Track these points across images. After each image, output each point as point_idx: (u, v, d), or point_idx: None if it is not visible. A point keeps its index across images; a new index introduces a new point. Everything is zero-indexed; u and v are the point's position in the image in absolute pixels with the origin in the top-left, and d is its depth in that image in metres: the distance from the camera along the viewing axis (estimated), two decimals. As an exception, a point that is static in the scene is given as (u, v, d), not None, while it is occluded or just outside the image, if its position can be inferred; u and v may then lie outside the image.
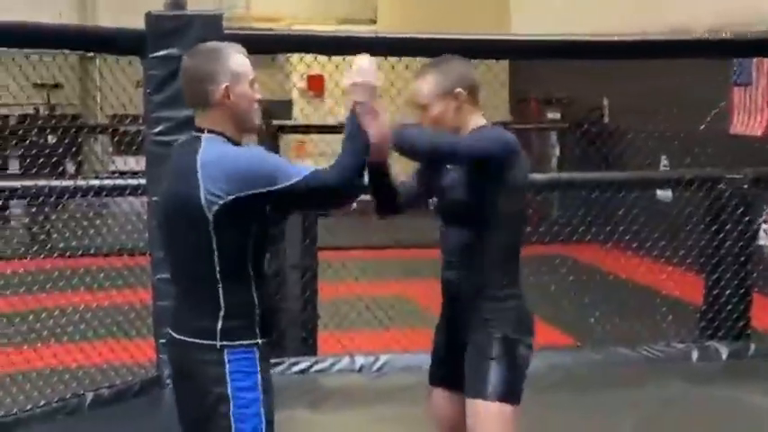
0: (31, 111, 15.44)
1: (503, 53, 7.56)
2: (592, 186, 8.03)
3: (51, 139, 14.97)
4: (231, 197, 3.03)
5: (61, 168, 13.91)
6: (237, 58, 3.19)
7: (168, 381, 5.99)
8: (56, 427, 5.54)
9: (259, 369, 3.14)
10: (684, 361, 6.69)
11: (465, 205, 3.59)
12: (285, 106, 14.99)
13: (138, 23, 6.00)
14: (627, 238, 8.43)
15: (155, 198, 5.33)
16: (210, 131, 3.15)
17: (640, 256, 9.23)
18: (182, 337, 3.18)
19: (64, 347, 6.23)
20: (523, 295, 3.67)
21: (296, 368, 6.36)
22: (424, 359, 6.31)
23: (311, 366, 6.39)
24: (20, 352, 6.09)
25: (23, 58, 6.78)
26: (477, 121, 3.67)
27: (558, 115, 14.42)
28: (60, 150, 13.55)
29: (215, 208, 3.04)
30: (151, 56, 5.89)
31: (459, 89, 3.63)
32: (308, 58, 7.06)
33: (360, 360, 6.49)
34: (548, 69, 13.30)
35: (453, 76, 3.65)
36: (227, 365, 3.10)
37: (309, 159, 14.14)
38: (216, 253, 3.08)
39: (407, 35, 7.20)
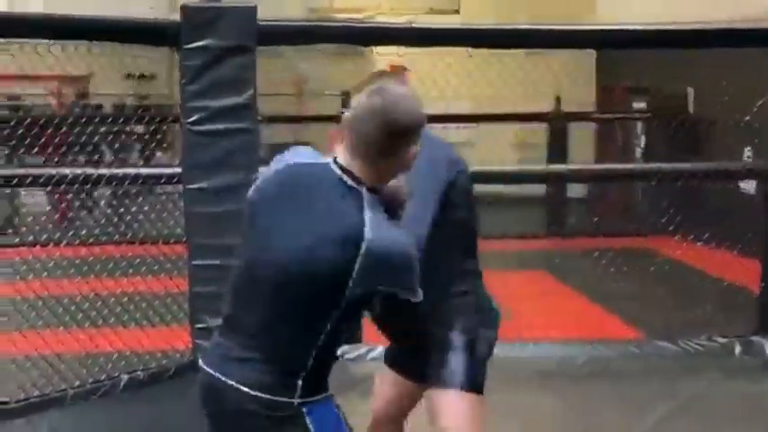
0: (125, 101, 15.81)
1: (588, 43, 7.50)
2: (675, 177, 7.87)
3: (141, 129, 15.35)
4: (376, 290, 2.75)
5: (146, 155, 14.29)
6: (407, 101, 2.81)
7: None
8: (89, 407, 5.71)
9: (338, 412, 2.90)
10: (726, 356, 6.59)
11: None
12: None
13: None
14: (709, 230, 8.28)
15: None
16: (370, 190, 2.79)
17: (723, 248, 9.07)
18: (253, 392, 2.81)
19: (114, 331, 6.40)
20: (483, 288, 3.65)
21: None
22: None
23: (343, 355, 6.44)
24: (70, 333, 6.27)
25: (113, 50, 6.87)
26: None
27: (643, 105, 14.23)
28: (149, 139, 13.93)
29: (357, 292, 2.72)
30: (186, 47, 6.00)
31: None
32: (391, 48, 7.10)
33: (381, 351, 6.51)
34: (634, 58, 13.11)
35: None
36: (307, 417, 2.81)
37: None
38: (329, 325, 2.76)
39: (490, 26, 7.19)
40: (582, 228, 12.65)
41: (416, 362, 3.58)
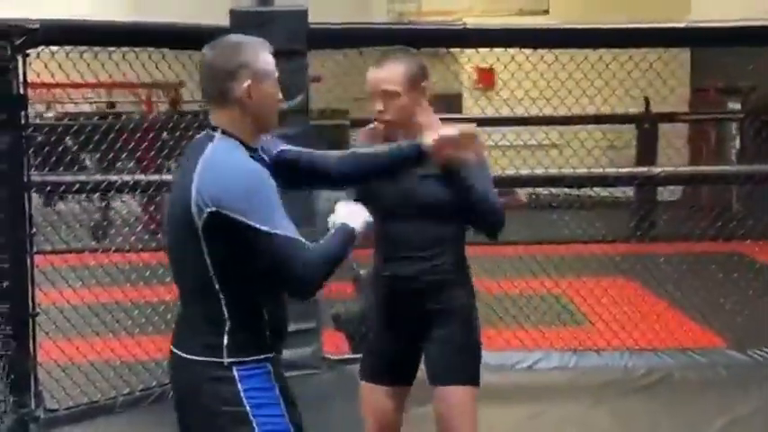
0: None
1: (684, 41, 7.30)
2: None
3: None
4: (211, 209, 2.76)
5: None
6: (264, 56, 2.93)
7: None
8: (138, 414, 5.69)
9: (276, 384, 2.88)
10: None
11: (439, 201, 3.58)
12: (454, 100, 14.92)
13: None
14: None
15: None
16: (224, 132, 2.89)
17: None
18: (184, 355, 2.89)
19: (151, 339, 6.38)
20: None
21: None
22: (516, 357, 6.32)
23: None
24: (117, 341, 6.27)
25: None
26: (431, 118, 3.66)
27: (738, 105, 13.82)
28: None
29: (203, 216, 2.77)
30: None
31: (425, 83, 3.61)
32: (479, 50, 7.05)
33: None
34: (729, 57, 12.73)
35: (419, 68, 3.61)
36: (239, 383, 2.82)
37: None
38: (209, 264, 2.81)
39: (580, 26, 7.05)
40: (672, 232, 12.30)
41: (414, 364, 3.71)
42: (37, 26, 5.27)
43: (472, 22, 14.57)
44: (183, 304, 2.97)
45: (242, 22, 5.96)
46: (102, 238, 12.38)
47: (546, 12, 15.80)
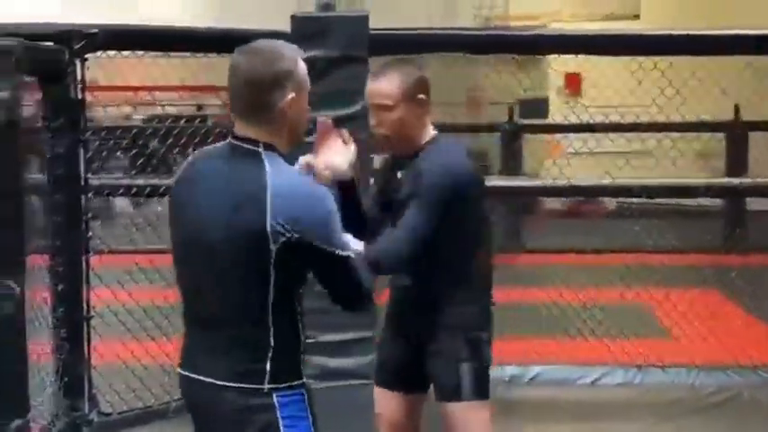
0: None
1: None
2: None
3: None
4: (291, 236, 2.68)
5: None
6: (302, 64, 2.86)
7: (309, 381, 6.04)
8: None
9: (309, 413, 2.82)
10: None
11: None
12: (541, 105, 14.76)
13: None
14: None
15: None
16: (267, 147, 2.77)
17: None
18: (213, 381, 2.78)
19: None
20: (484, 295, 3.64)
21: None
22: (579, 372, 6.17)
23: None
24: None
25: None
26: (428, 131, 3.60)
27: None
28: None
29: (281, 240, 2.68)
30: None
31: (422, 95, 3.53)
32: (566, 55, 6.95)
33: (510, 370, 6.27)
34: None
35: (417, 81, 3.55)
36: (279, 410, 2.75)
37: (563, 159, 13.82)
38: (272, 289, 2.72)
39: (673, 32, 6.88)
40: (763, 244, 11.97)
41: (424, 373, 3.65)
42: (95, 31, 5.30)
43: (559, 26, 14.48)
44: (206, 329, 2.84)
45: (302, 27, 5.91)
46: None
47: (636, 17, 15.52)
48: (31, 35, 5.29)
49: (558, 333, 6.89)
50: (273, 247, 2.67)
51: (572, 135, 13.90)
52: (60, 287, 5.34)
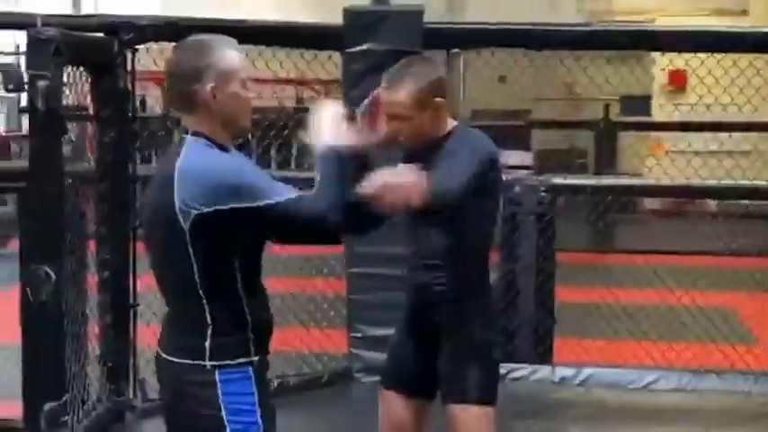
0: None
1: None
2: None
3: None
4: (209, 209, 2.72)
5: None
6: (227, 55, 2.85)
7: (358, 375, 6.06)
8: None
9: (256, 390, 2.83)
10: None
11: (451, 209, 3.35)
12: (642, 102, 14.46)
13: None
14: None
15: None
16: (195, 134, 2.86)
17: None
18: (168, 357, 2.88)
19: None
20: (492, 295, 3.63)
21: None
22: (631, 376, 6.03)
23: (507, 373, 6.13)
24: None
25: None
26: (446, 124, 3.49)
27: None
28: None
29: (190, 219, 2.74)
30: (348, 51, 5.92)
31: (438, 98, 3.43)
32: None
33: (561, 371, 6.16)
34: None
35: (431, 86, 3.42)
36: (219, 387, 2.79)
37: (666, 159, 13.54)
38: (195, 266, 2.78)
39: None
40: None
41: (433, 378, 3.55)
42: (145, 23, 5.38)
43: (665, 22, 14.14)
44: (167, 306, 2.94)
45: (355, 20, 5.92)
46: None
47: (745, 12, 15.07)
48: (85, 26, 5.44)
49: (624, 334, 6.76)
50: (185, 226, 2.74)
51: (672, 133, 13.60)
52: (106, 274, 5.44)
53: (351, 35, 5.90)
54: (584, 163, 14.51)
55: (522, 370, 6.19)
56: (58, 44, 4.62)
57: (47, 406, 4.72)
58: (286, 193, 2.74)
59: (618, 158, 12.84)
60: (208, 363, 2.79)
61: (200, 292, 2.79)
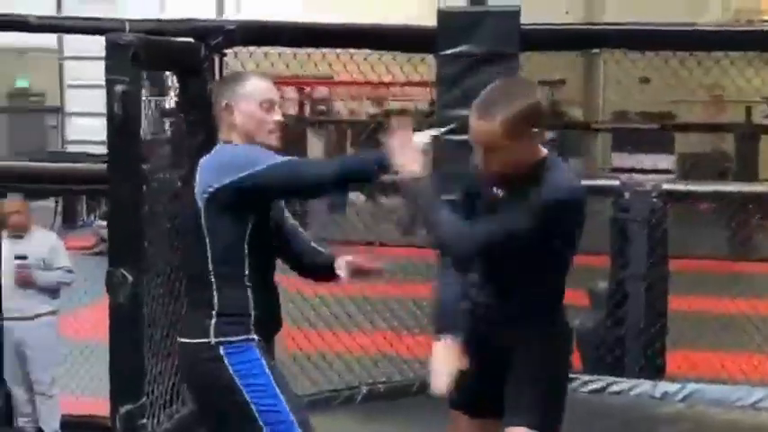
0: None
1: None
2: None
3: (549, 135, 15.23)
4: (218, 185, 3.14)
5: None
6: (248, 82, 3.36)
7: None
8: (321, 417, 5.66)
9: (261, 356, 3.18)
10: None
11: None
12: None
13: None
14: None
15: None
16: (225, 142, 3.37)
17: None
18: (181, 340, 3.29)
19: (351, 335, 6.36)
20: (567, 321, 3.41)
21: (590, 387, 5.93)
22: (739, 392, 5.73)
23: (607, 387, 5.90)
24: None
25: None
26: (537, 152, 3.24)
27: None
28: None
29: (205, 197, 3.16)
30: (442, 53, 5.79)
31: (533, 129, 3.16)
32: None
33: (663, 386, 5.90)
34: None
35: (526, 115, 3.15)
36: (226, 358, 3.15)
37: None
38: (209, 251, 3.18)
39: None
40: None
41: (499, 397, 3.39)
42: (233, 27, 5.37)
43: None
44: (185, 296, 3.49)
45: (449, 22, 5.79)
46: (408, 232, 12.65)
47: None
48: (174, 31, 5.46)
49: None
50: (201, 207, 3.16)
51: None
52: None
53: (445, 37, 5.77)
54: (728, 167, 14.01)
55: (623, 384, 5.97)
56: (136, 49, 4.65)
57: (123, 408, 4.77)
58: (272, 161, 3.16)
59: (760, 162, 12.34)
60: (212, 339, 3.15)
61: (212, 279, 3.17)
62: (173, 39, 5.21)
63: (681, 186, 7.30)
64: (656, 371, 6.19)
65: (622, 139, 14.78)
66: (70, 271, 6.17)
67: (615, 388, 5.93)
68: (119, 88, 4.63)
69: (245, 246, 3.18)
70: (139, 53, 4.66)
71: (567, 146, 14.88)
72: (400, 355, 6.23)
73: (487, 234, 3.19)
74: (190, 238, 3.26)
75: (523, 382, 3.31)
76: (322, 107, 16.41)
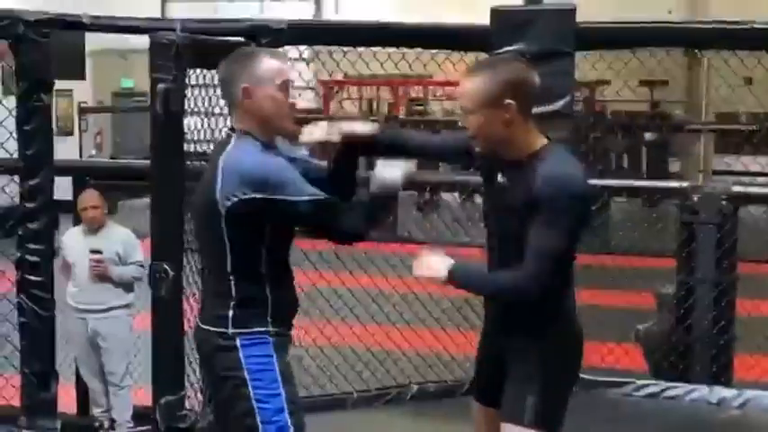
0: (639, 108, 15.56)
1: None
2: None
3: (650, 137, 14.96)
4: (242, 198, 3.11)
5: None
6: (263, 62, 3.23)
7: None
8: (370, 414, 5.70)
9: (275, 354, 3.24)
10: None
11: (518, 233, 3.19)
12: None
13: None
14: None
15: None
16: (241, 132, 3.25)
17: None
18: (202, 326, 3.35)
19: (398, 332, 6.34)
20: (573, 317, 3.34)
21: (644, 391, 5.83)
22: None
23: (662, 392, 5.79)
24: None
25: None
26: (535, 140, 3.20)
27: None
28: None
29: (227, 204, 3.14)
30: (496, 52, 5.75)
31: (508, 100, 3.14)
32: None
33: (720, 392, 5.76)
34: None
35: (504, 83, 3.15)
36: (241, 351, 3.22)
37: None
38: (228, 248, 3.19)
39: None
40: None
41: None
42: (283, 26, 5.42)
43: None
44: (204, 285, 3.47)
45: (503, 21, 5.74)
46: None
47: None
48: (225, 31, 5.54)
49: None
50: (223, 212, 3.15)
51: None
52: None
53: (498, 35, 5.73)
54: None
55: (678, 389, 5.85)
56: (180, 48, 4.74)
57: (164, 399, 4.87)
58: (311, 194, 3.14)
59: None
60: (230, 329, 3.23)
61: (230, 271, 3.22)
62: (222, 38, 5.27)
63: (751, 189, 7.12)
64: (723, 377, 6.05)
65: (727, 140, 14.46)
66: (143, 266, 6.29)
67: (670, 393, 5.80)
68: (162, 86, 4.74)
69: (264, 246, 3.21)
70: (183, 52, 4.75)
71: (668, 148, 14.62)
72: (450, 353, 6.21)
73: (538, 271, 3.16)
74: (208, 233, 3.27)
75: (516, 379, 3.30)
76: (418, 107, 16.43)
